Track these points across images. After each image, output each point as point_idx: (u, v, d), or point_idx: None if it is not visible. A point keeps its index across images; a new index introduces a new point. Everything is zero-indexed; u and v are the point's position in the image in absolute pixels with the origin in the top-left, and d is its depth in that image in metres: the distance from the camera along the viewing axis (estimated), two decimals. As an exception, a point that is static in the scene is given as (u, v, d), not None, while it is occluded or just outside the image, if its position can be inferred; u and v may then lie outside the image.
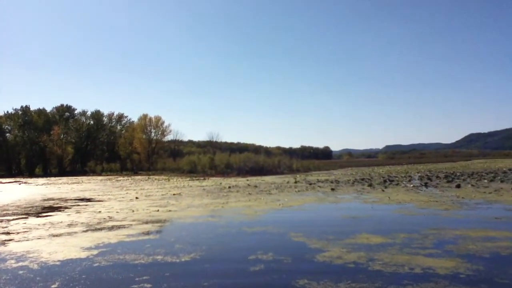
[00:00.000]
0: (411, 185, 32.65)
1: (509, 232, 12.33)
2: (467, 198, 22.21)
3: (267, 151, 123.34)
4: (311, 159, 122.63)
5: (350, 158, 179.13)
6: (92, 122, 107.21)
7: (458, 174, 48.03)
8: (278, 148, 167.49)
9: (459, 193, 25.18)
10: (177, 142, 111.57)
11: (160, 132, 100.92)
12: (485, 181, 34.83)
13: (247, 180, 49.83)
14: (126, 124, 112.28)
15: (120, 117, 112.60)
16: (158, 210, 20.32)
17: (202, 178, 58.28)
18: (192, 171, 75.32)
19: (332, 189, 30.67)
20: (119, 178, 64.92)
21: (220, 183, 43.48)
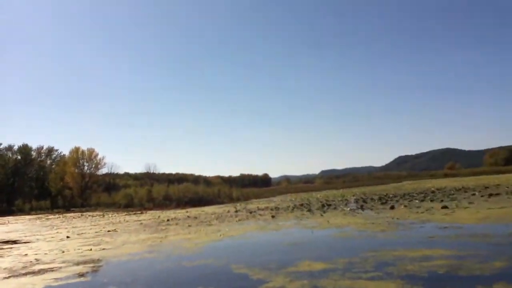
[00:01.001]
0: (348, 209, 33.35)
1: (443, 250, 12.72)
2: (402, 218, 22.93)
3: (206, 181, 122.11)
4: (250, 187, 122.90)
5: (289, 184, 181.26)
6: (19, 157, 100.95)
7: (391, 195, 49.82)
8: (218, 177, 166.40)
9: (394, 214, 25.98)
10: (112, 175, 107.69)
11: (93, 165, 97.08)
12: (417, 201, 36.32)
13: (187, 211, 48.75)
14: (56, 158, 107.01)
15: (50, 151, 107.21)
16: (91, 249, 19.13)
17: (139, 212, 56.28)
18: (129, 205, 72.75)
19: (273, 217, 30.60)
20: (49, 217, 61.20)
21: (159, 216, 42.14)
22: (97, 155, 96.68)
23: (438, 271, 9.93)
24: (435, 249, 12.88)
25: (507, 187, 47.36)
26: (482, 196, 36.70)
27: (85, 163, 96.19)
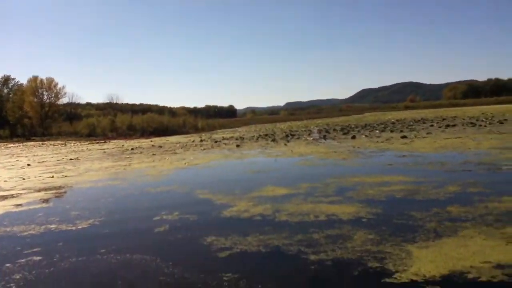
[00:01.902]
0: (311, 138, 33.94)
1: (401, 176, 13.18)
2: (362, 147, 23.52)
3: (171, 112, 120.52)
4: (216, 118, 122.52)
5: (254, 116, 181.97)
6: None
7: (353, 126, 50.89)
8: (183, 108, 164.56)
9: (355, 143, 26.62)
10: (73, 105, 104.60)
11: (53, 95, 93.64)
12: (377, 131, 37.29)
13: (151, 141, 48.35)
14: (14, 87, 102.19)
15: (7, 79, 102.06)
16: (52, 177, 18.80)
17: (102, 141, 55.42)
18: (92, 135, 71.45)
19: (238, 146, 30.79)
20: (8, 145, 59.48)
21: (122, 145, 41.67)
22: (56, 84, 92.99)
23: (396, 196, 10.32)
24: (393, 176, 13.34)
25: (463, 119, 49.23)
26: (439, 127, 38.04)
27: (44, 93, 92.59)
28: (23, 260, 6.99)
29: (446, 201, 9.46)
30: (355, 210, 9.01)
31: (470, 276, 5.23)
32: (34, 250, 7.56)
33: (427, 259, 5.87)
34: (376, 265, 5.79)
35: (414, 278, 5.26)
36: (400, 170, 14.45)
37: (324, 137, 34.26)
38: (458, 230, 7.18)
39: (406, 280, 5.21)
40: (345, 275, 5.59)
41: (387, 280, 5.28)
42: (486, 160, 15.21)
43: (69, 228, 9.07)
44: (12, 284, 5.91)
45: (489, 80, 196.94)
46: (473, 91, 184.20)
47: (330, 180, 13.28)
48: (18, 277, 6.20)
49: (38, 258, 7.09)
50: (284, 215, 8.98)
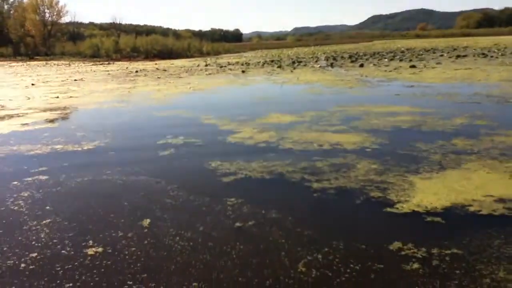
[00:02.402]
0: (318, 66, 33.32)
1: (408, 106, 13.03)
2: (370, 76, 23.12)
3: (176, 34, 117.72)
4: (221, 42, 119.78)
5: (260, 41, 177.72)
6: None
7: (361, 54, 49.76)
8: (188, 31, 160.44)
9: (363, 72, 26.14)
10: (76, 24, 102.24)
11: (55, 13, 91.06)
12: (386, 60, 36.50)
13: (155, 63, 47.71)
14: (14, 3, 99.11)
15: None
16: (57, 97, 18.74)
17: (106, 63, 54.74)
18: (95, 56, 70.40)
19: (243, 71, 30.35)
20: (12, 64, 58.88)
21: (127, 68, 41.19)
22: (58, 2, 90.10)
23: (402, 126, 10.25)
24: (400, 106, 13.19)
25: (475, 50, 47.86)
26: (450, 57, 37.11)
27: (46, 10, 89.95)
28: (30, 179, 7.10)
29: (452, 133, 9.39)
30: (360, 140, 8.98)
31: (472, 209, 5.28)
32: (41, 169, 7.66)
33: (430, 191, 5.90)
34: (378, 195, 5.83)
35: (416, 209, 5.31)
36: (407, 101, 14.26)
37: (332, 65, 33.61)
38: (462, 163, 7.17)
39: (408, 211, 5.27)
40: (347, 204, 5.66)
41: (389, 210, 5.34)
42: (495, 93, 14.95)
43: (75, 149, 9.14)
44: (20, 202, 6.04)
45: (506, 9, 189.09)
46: (487, 21, 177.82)
47: (336, 108, 13.16)
48: (25, 195, 6.33)
49: (45, 177, 7.20)
50: (288, 142, 8.98)
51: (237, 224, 5.04)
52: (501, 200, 5.49)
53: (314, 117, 11.77)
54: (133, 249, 4.52)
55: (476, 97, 14.23)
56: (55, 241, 4.79)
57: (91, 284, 3.86)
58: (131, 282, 3.86)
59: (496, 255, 4.14)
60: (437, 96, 14.88)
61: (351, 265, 4.02)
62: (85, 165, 7.89)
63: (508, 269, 3.88)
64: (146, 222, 5.24)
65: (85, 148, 9.21)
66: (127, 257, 4.34)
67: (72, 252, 4.49)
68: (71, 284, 3.85)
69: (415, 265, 4.00)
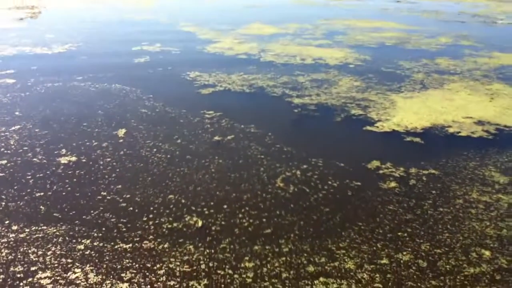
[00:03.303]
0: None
1: (394, 22, 12.66)
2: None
3: None
4: None
5: None
6: None
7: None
8: None
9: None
10: None
11: None
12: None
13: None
14: None
15: None
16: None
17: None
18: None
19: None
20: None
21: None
22: None
23: (386, 43, 9.99)
24: (386, 22, 12.79)
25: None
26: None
27: None
28: (-4, 83, 6.74)
29: (436, 52, 9.23)
30: (343, 56, 8.74)
31: (451, 130, 5.28)
32: (8, 72, 7.24)
33: (411, 110, 5.86)
34: (359, 113, 5.77)
35: (396, 128, 5.29)
36: (394, 16, 13.84)
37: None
38: (444, 83, 7.10)
39: (388, 130, 5.24)
40: (327, 121, 5.58)
41: (369, 128, 5.30)
42: (482, 12, 14.61)
43: (44, 52, 8.64)
44: (-13, 106, 5.75)
45: None
46: None
47: (321, 21, 12.68)
48: (-7, 99, 6.02)
49: (12, 81, 6.82)
50: (270, 55, 8.68)
51: (216, 138, 4.94)
52: (480, 122, 5.51)
53: (298, 30, 11.34)
54: (108, 159, 4.40)
55: (462, 16, 13.89)
56: (25, 148, 4.61)
57: (63, 193, 3.77)
58: (104, 193, 3.78)
59: (470, 177, 4.20)
60: (423, 13, 14.47)
61: (329, 182, 4.02)
62: (55, 70, 7.48)
63: (481, 190, 3.95)
64: (122, 132, 5.08)
65: (56, 51, 8.70)
66: (101, 167, 4.23)
67: (44, 161, 4.34)
68: (42, 194, 3.75)
69: (392, 184, 4.03)
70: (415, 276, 2.96)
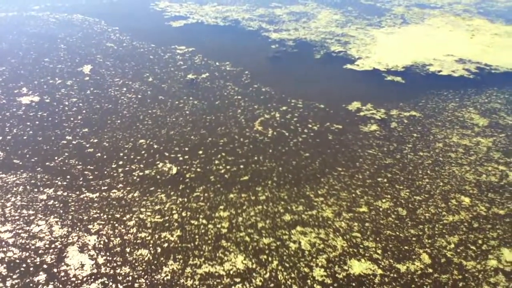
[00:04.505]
0: None
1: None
2: None
3: None
4: None
5: None
6: None
7: None
8: None
9: None
10: None
11: None
12: None
13: None
14: None
15: None
16: None
17: None
18: None
19: None
20: None
21: None
22: None
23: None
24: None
25: None
26: None
27: None
28: None
29: (417, -16, 8.86)
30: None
31: (432, 69, 5.14)
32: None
33: (391, 47, 5.65)
34: (339, 49, 5.53)
35: (376, 66, 5.11)
36: None
37: None
38: (425, 18, 6.85)
39: (368, 68, 5.06)
40: (306, 58, 5.34)
41: (349, 66, 5.10)
42: None
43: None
44: None
45: None
46: None
47: None
48: None
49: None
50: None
51: (189, 76, 4.66)
52: (461, 61, 5.37)
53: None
54: (74, 99, 4.10)
55: None
56: (-20, 87, 4.24)
57: (24, 138, 3.51)
58: (70, 137, 3.53)
59: (450, 119, 4.13)
60: None
61: (309, 125, 3.88)
62: (10, -3, 6.82)
63: (461, 133, 3.89)
64: (87, 68, 4.73)
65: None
66: (66, 108, 3.95)
67: (4, 101, 4.01)
68: (0, 138, 3.48)
69: (373, 127, 3.92)
70: (393, 225, 2.93)
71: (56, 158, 3.29)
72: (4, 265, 2.66)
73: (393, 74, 4.93)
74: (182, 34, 5.76)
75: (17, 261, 2.67)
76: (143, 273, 2.70)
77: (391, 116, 4.06)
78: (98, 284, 2.64)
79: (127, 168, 3.23)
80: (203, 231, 2.81)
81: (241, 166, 3.32)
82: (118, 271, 2.69)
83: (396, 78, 4.82)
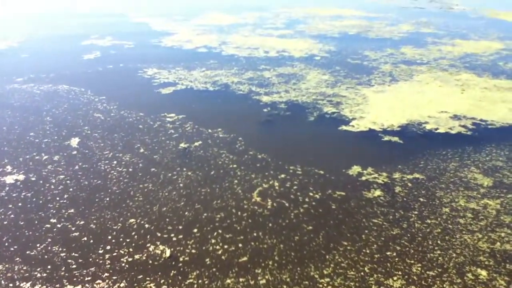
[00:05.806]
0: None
1: (353, 9, 12.45)
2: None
3: None
4: None
5: None
6: None
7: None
8: None
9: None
10: None
11: None
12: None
13: None
14: None
15: None
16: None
17: None
18: None
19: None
20: None
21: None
22: None
23: (349, 32, 9.73)
24: (345, 9, 12.56)
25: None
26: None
27: None
28: None
29: (400, 41, 9.06)
30: (307, 47, 8.40)
31: (428, 126, 5.06)
32: None
33: (384, 106, 5.60)
34: (332, 110, 5.45)
35: (372, 126, 5.00)
36: (352, 2, 13.64)
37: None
38: (413, 74, 6.91)
39: (364, 129, 4.95)
40: (300, 120, 5.23)
41: (344, 128, 4.99)
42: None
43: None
44: None
45: None
46: None
47: (280, 10, 12.29)
48: None
49: None
50: (231, 48, 8.21)
51: (182, 145, 4.48)
52: (456, 117, 5.32)
53: (258, 19, 10.90)
54: (61, 176, 3.87)
55: (419, 2, 13.88)
56: (-40, 166, 4.01)
57: (5, 223, 3.24)
58: (54, 220, 3.27)
59: (453, 180, 3.97)
60: (382, 0, 14.36)
61: (310, 194, 3.68)
62: (-5, 69, 6.75)
63: (467, 196, 3.73)
64: (75, 142, 4.54)
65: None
66: (52, 186, 3.71)
67: (-15, 181, 3.77)
68: (-19, 225, 3.21)
69: (376, 193, 3.73)
70: (411, 306, 2.67)
71: (37, 245, 3.02)
72: None
73: (390, 134, 4.82)
74: (171, 101, 5.67)
75: None
76: None
77: (393, 180, 3.89)
78: None
79: (114, 254, 2.96)
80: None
81: (240, 245, 3.07)
82: None
83: (394, 138, 4.71)
